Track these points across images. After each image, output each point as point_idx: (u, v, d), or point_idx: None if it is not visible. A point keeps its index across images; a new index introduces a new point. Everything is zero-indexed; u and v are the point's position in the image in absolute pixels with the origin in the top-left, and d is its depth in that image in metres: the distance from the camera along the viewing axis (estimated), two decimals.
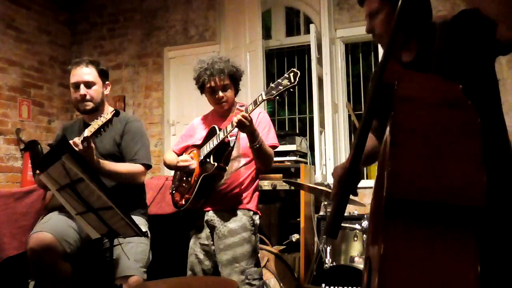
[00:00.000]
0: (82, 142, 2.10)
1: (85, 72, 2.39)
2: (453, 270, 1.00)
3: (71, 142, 2.08)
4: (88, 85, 2.39)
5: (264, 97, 2.09)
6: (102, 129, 2.13)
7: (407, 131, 1.10)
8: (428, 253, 1.02)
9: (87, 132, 2.12)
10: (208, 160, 2.29)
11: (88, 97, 2.38)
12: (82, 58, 2.47)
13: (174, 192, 2.48)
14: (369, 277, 1.19)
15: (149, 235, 2.35)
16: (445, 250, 1.02)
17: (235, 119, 2.12)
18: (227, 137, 2.29)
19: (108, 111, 2.18)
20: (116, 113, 2.14)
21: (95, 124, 2.13)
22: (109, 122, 2.13)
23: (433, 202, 1.03)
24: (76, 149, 2.07)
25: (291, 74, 2.03)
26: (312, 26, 4.03)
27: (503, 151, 1.39)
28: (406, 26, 1.36)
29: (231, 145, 2.35)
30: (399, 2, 1.28)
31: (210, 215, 2.37)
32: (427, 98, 1.17)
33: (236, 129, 2.28)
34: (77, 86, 2.39)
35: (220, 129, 2.32)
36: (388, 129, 1.14)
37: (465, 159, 1.05)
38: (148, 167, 2.43)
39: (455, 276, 1.00)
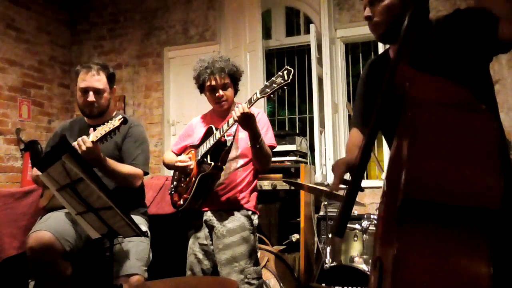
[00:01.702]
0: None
1: (95, 79, 2.38)
2: (467, 271, 1.00)
3: (80, 139, 2.09)
4: (98, 92, 2.38)
5: (258, 95, 2.09)
6: (108, 136, 2.12)
7: (425, 132, 1.09)
8: (442, 254, 1.02)
9: (92, 137, 2.11)
10: (205, 159, 2.29)
11: (96, 104, 2.39)
12: (93, 63, 2.45)
13: (172, 192, 2.49)
14: (379, 278, 1.19)
15: (149, 234, 2.35)
16: (460, 252, 1.02)
17: (234, 114, 2.10)
18: (224, 136, 2.29)
19: (115, 117, 2.16)
20: (124, 121, 2.12)
21: (102, 130, 2.11)
22: (116, 129, 2.11)
23: (449, 203, 1.03)
24: (84, 146, 2.08)
25: (285, 72, 2.04)
26: (312, 26, 4.03)
27: (502, 152, 1.39)
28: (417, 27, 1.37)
29: (228, 144, 2.36)
30: (413, 2, 1.28)
31: (208, 215, 2.37)
32: (442, 100, 1.16)
33: (233, 129, 2.29)
34: (86, 91, 2.38)
35: (217, 129, 2.32)
36: (401, 130, 1.14)
37: (483, 161, 1.05)
38: (144, 173, 2.44)
39: (469, 278, 1.00)
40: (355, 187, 1.28)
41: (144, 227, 2.35)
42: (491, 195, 1.02)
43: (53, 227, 2.16)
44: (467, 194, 1.02)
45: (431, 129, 1.10)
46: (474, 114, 1.11)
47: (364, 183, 3.91)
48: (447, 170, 1.05)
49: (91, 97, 2.37)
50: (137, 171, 2.38)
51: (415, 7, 1.27)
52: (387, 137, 1.67)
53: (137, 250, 2.24)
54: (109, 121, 2.14)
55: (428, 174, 1.05)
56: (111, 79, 2.46)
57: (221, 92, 2.38)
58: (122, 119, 2.12)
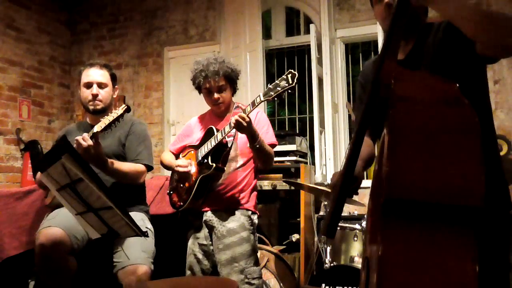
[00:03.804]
0: (91, 137, 2.13)
1: (99, 74, 2.46)
2: (452, 270, 1.00)
3: (79, 137, 2.12)
4: (101, 85, 2.45)
5: (262, 98, 2.10)
6: (113, 124, 2.15)
7: (405, 130, 1.09)
8: (427, 253, 1.02)
9: (97, 128, 2.15)
10: (206, 161, 2.29)
11: (100, 97, 2.44)
12: (95, 61, 2.55)
13: (172, 192, 2.49)
14: (367, 277, 1.19)
15: (152, 230, 2.37)
16: (444, 250, 1.02)
17: (232, 120, 2.11)
18: (225, 137, 2.29)
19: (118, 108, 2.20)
20: (128, 109, 2.17)
21: (106, 120, 2.16)
22: (120, 117, 2.15)
23: (432, 201, 1.03)
24: (85, 144, 2.10)
25: (289, 76, 2.04)
26: (312, 26, 4.03)
27: (492, 152, 1.39)
28: (404, 25, 1.36)
29: (229, 145, 2.36)
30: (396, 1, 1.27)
31: (208, 215, 2.37)
32: (425, 97, 1.16)
33: (234, 130, 2.29)
34: (89, 85, 2.44)
35: (217, 130, 2.32)
36: (386, 127, 1.13)
37: (465, 158, 1.04)
38: (149, 168, 2.45)
39: (455, 276, 0.99)
40: (345, 185, 1.27)
41: (147, 222, 2.38)
42: (472, 192, 1.01)
43: (63, 223, 2.16)
44: (448, 191, 1.02)
45: (411, 127, 1.10)
46: (456, 109, 1.11)
47: (364, 183, 3.91)
48: (428, 168, 1.05)
49: (95, 89, 2.43)
50: (139, 167, 2.39)
51: (400, 2, 1.26)
52: (377, 135, 1.67)
53: (142, 242, 2.22)
54: (113, 111, 2.19)
55: (408, 173, 1.05)
56: (113, 77, 2.54)
57: (216, 95, 2.38)
58: (126, 107, 2.16)
